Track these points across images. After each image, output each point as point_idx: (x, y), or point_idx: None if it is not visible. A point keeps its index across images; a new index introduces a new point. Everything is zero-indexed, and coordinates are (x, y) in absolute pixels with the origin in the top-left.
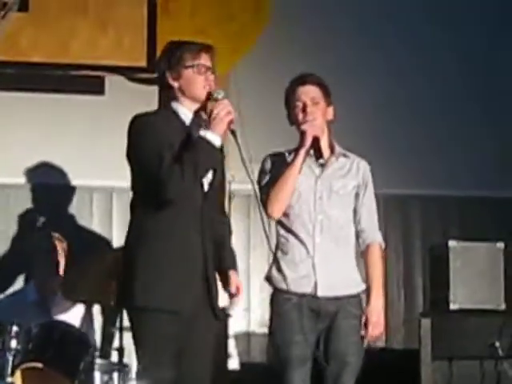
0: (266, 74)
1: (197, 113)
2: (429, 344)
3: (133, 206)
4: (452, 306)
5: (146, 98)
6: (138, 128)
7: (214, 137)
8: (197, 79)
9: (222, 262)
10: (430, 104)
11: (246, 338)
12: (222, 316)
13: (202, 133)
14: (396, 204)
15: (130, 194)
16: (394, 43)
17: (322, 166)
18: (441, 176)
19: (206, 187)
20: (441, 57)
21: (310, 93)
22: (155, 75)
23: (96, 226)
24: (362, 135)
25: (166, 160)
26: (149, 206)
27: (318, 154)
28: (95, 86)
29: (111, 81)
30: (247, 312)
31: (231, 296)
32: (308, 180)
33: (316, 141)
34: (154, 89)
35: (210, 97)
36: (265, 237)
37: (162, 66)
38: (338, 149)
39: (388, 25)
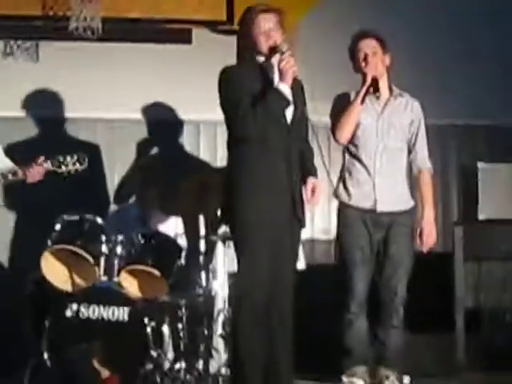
0: (330, 28)
1: (267, 61)
2: (461, 248)
3: (228, 142)
4: (480, 216)
5: (226, 46)
6: (224, 79)
7: (283, 86)
8: (257, 38)
9: (305, 169)
10: (458, 43)
11: (310, 243)
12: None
13: (275, 84)
14: (434, 132)
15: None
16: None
17: (382, 103)
18: (472, 108)
19: (288, 120)
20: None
21: (369, 45)
22: (233, 27)
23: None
24: (406, 73)
25: (242, 106)
26: (237, 143)
27: (378, 92)
28: (184, 37)
29: (197, 32)
30: (312, 221)
31: (308, 198)
32: (371, 116)
33: (375, 81)
34: (233, 38)
35: (275, 50)
36: (325, 170)
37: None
38: (395, 90)
39: None
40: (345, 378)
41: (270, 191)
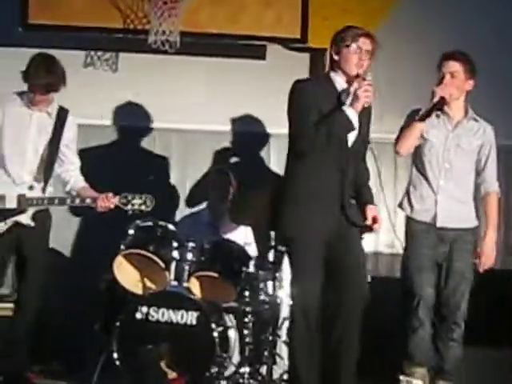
0: (400, 45)
1: (348, 84)
2: None
3: (288, 153)
4: None
5: (299, 63)
6: (295, 92)
7: (351, 112)
8: (351, 57)
9: (362, 197)
10: None
11: (375, 256)
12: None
13: (344, 107)
14: (500, 153)
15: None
16: None
17: (454, 123)
18: None
19: (350, 143)
20: None
21: (450, 67)
22: (307, 45)
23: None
24: (480, 96)
25: (308, 121)
26: (296, 155)
27: (441, 113)
28: (259, 53)
29: (271, 49)
30: (377, 236)
31: (368, 227)
32: (441, 134)
33: (442, 100)
34: (306, 56)
35: (358, 75)
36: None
37: (332, 41)
38: (470, 113)
39: None
40: (402, 377)
41: (320, 206)
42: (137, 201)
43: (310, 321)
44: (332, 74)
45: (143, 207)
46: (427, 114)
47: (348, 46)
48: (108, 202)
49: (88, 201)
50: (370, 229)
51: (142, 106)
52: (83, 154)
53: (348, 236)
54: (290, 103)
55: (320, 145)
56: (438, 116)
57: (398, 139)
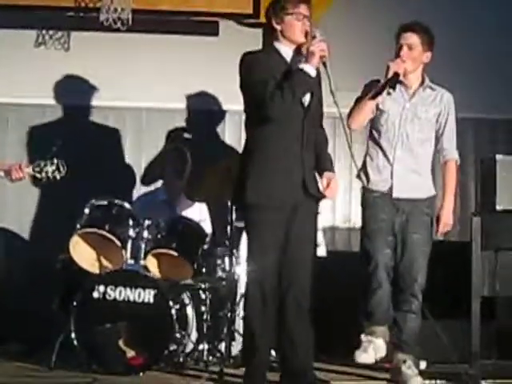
0: (350, 21)
1: (297, 50)
2: (479, 238)
3: (246, 126)
4: (498, 207)
5: (252, 39)
6: (247, 63)
7: (309, 68)
8: (295, 24)
9: (320, 164)
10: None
11: (331, 231)
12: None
13: (301, 65)
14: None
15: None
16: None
17: (410, 93)
18: (491, 102)
19: (306, 103)
20: None
21: (407, 39)
22: (259, 20)
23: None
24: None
25: (269, 87)
26: (257, 125)
27: (393, 90)
28: (211, 29)
29: (224, 25)
30: (333, 210)
31: (324, 191)
32: (397, 105)
33: (397, 77)
34: (258, 31)
35: (307, 36)
36: (350, 156)
37: (269, 12)
38: (426, 82)
39: None
40: (364, 337)
41: (282, 174)
42: (49, 168)
43: (266, 293)
44: (276, 44)
45: (56, 173)
46: (379, 92)
47: (291, 14)
48: (22, 172)
49: (1, 174)
50: (324, 196)
51: (94, 84)
52: (36, 131)
53: (304, 208)
54: (244, 74)
55: (287, 107)
56: (389, 93)
57: (350, 112)
